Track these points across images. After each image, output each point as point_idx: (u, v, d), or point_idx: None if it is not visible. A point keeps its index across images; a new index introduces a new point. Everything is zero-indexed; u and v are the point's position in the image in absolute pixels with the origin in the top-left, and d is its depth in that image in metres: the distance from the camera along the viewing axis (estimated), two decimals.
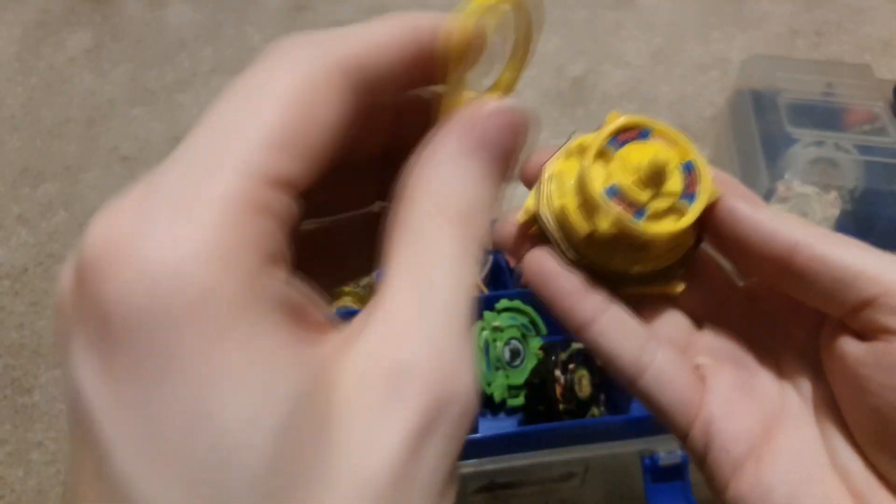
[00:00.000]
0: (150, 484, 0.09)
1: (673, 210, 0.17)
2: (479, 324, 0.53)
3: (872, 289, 0.16)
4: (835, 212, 0.57)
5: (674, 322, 0.20)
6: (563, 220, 0.18)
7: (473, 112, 0.14)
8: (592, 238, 0.17)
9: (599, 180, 0.17)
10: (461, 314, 0.12)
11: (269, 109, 0.12)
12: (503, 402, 0.52)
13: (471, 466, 0.45)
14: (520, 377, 0.52)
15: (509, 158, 0.14)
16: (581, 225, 0.17)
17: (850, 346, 0.17)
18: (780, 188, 0.57)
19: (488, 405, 0.53)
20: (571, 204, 0.17)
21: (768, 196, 0.57)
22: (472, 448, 0.45)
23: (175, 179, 0.11)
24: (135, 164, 0.75)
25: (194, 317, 0.10)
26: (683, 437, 0.18)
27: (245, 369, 0.10)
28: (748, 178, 0.60)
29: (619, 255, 0.17)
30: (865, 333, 0.17)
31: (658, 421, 0.19)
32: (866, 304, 0.16)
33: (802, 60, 0.74)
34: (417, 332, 0.11)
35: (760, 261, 0.17)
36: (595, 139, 0.18)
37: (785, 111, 0.61)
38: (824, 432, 0.18)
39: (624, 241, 0.17)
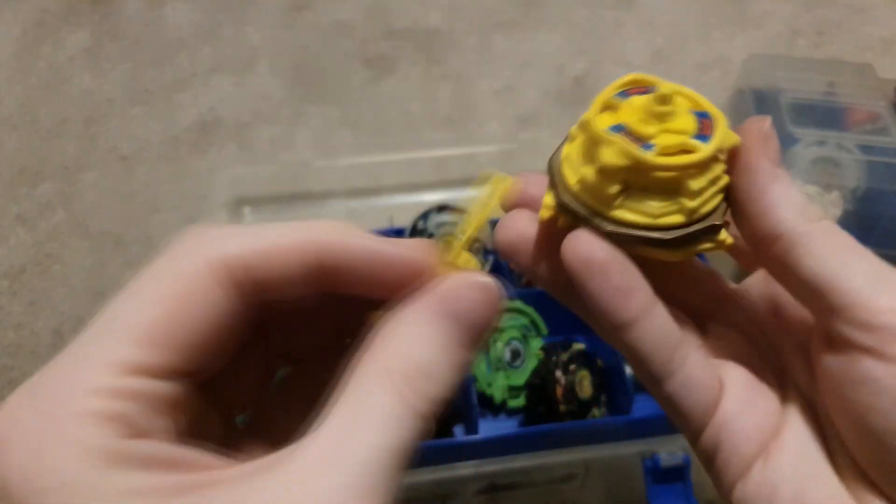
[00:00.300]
0: None
1: (686, 150, 0.17)
2: None
3: (839, 300, 0.16)
4: (837, 212, 0.56)
5: (683, 324, 0.19)
6: (587, 192, 0.17)
7: (449, 284, 0.15)
8: (624, 193, 0.17)
9: (605, 125, 0.17)
10: (379, 474, 0.12)
11: (144, 304, 0.13)
12: (503, 402, 0.51)
13: (471, 468, 0.45)
14: (520, 378, 0.51)
15: (479, 331, 0.15)
16: (607, 186, 0.17)
17: (823, 355, 0.17)
18: None
19: (489, 406, 0.52)
20: (589, 172, 0.17)
21: None
22: (473, 449, 0.45)
23: (50, 379, 0.13)
24: (133, 164, 0.74)
25: (63, 499, 0.11)
26: (695, 437, 0.18)
27: None
28: None
29: (653, 202, 0.16)
30: (833, 343, 0.16)
31: (672, 420, 0.18)
32: (833, 313, 0.16)
33: (804, 59, 0.74)
34: (320, 486, 0.12)
35: (750, 230, 0.17)
36: (606, 92, 0.17)
37: (786, 111, 0.60)
38: (823, 432, 0.18)
39: (651, 184, 0.16)
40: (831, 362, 0.16)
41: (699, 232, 0.17)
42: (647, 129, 0.17)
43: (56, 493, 0.11)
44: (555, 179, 0.18)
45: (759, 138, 0.17)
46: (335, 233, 0.15)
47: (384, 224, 0.61)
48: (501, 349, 0.52)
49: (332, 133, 0.77)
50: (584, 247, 0.16)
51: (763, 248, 0.17)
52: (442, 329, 0.14)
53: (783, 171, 0.17)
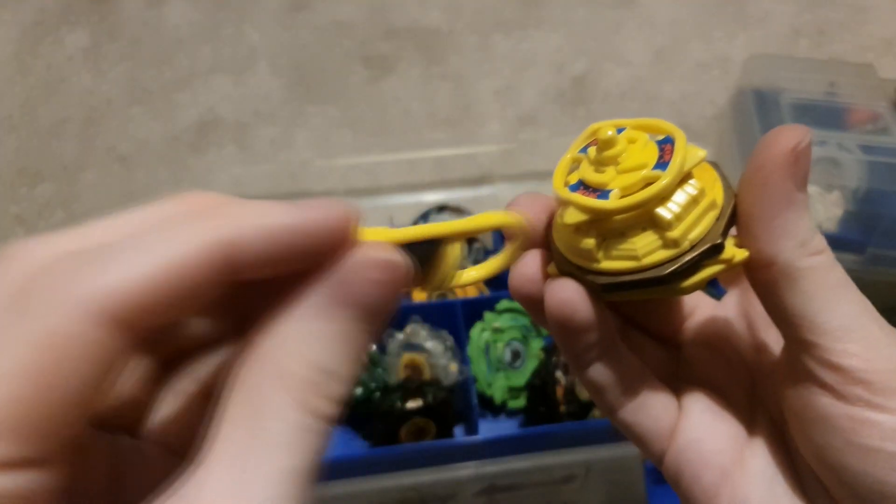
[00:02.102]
0: None
1: (650, 182, 0.16)
2: (480, 325, 0.53)
3: (812, 337, 0.16)
4: (838, 211, 0.56)
5: (651, 349, 0.20)
6: (573, 253, 0.17)
7: (347, 265, 0.12)
8: (604, 244, 0.17)
9: (570, 183, 0.17)
10: (288, 501, 0.11)
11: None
12: (504, 403, 0.51)
13: (471, 469, 0.45)
14: (520, 379, 0.51)
15: (382, 317, 0.13)
16: (584, 241, 0.17)
17: (788, 385, 0.17)
18: None
19: (489, 407, 0.52)
20: (568, 234, 0.17)
21: None
22: (473, 450, 0.45)
23: None
24: (133, 164, 0.74)
25: None
26: (658, 462, 0.18)
27: None
28: None
29: (633, 243, 0.16)
30: (798, 376, 0.17)
31: (635, 446, 0.19)
32: (803, 347, 0.16)
33: (805, 59, 0.74)
34: None
35: (748, 246, 0.17)
36: (567, 153, 0.18)
37: (787, 110, 0.60)
38: (791, 457, 0.18)
39: (624, 228, 0.16)
40: (794, 394, 0.17)
41: (698, 257, 0.16)
42: (602, 178, 0.16)
43: None
44: (552, 250, 0.18)
45: (789, 155, 0.15)
46: (229, 225, 0.12)
47: (384, 224, 0.61)
48: (502, 350, 0.52)
49: (332, 133, 0.77)
50: (558, 296, 0.17)
51: (755, 268, 0.17)
52: (341, 321, 0.12)
53: (803, 196, 0.16)
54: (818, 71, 0.64)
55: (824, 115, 0.61)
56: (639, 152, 0.16)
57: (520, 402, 0.51)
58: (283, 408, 0.11)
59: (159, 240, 0.11)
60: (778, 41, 0.83)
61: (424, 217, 0.60)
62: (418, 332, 0.51)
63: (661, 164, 0.16)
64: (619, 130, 0.17)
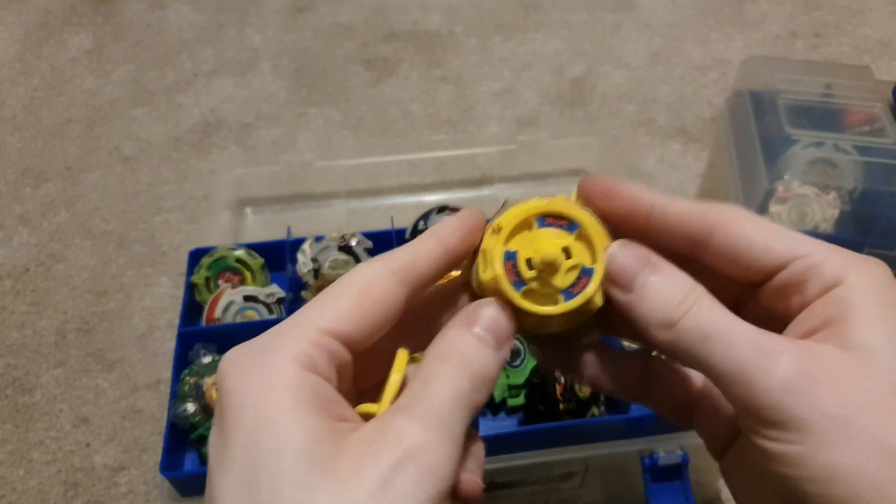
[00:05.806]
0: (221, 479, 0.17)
1: (550, 298, 0.20)
2: None
3: (719, 385, 0.18)
4: (834, 212, 0.57)
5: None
6: (494, 292, 0.20)
7: (469, 309, 0.21)
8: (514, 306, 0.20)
9: (512, 243, 0.20)
10: (447, 413, 0.18)
11: (340, 296, 0.20)
12: (503, 401, 0.52)
13: None
14: (520, 377, 0.52)
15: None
16: (512, 294, 0.20)
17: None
18: (780, 189, 0.57)
19: (488, 405, 0.53)
20: (503, 278, 0.20)
21: (767, 197, 0.57)
22: None
23: (270, 332, 0.19)
24: (136, 165, 0.75)
25: (250, 400, 0.18)
26: (686, 427, 0.23)
27: (285, 422, 0.17)
28: (747, 180, 0.60)
29: (530, 320, 0.20)
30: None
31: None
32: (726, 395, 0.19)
33: (801, 61, 0.74)
34: (401, 419, 0.18)
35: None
36: (527, 210, 0.20)
37: (784, 112, 0.61)
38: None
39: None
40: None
41: (573, 334, 0.21)
42: (525, 274, 0.20)
43: (252, 396, 0.17)
44: (473, 260, 0.22)
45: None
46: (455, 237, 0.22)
47: (385, 225, 0.61)
48: None
49: (334, 134, 0.77)
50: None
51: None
52: (467, 329, 0.20)
53: (635, 294, 0.19)
54: (815, 73, 0.65)
55: (821, 116, 0.62)
56: (563, 276, 0.20)
57: (519, 400, 0.51)
58: (440, 371, 0.19)
59: (417, 242, 0.21)
60: (774, 43, 0.84)
61: (425, 217, 0.60)
62: None
63: (570, 292, 0.20)
64: (574, 227, 0.20)
